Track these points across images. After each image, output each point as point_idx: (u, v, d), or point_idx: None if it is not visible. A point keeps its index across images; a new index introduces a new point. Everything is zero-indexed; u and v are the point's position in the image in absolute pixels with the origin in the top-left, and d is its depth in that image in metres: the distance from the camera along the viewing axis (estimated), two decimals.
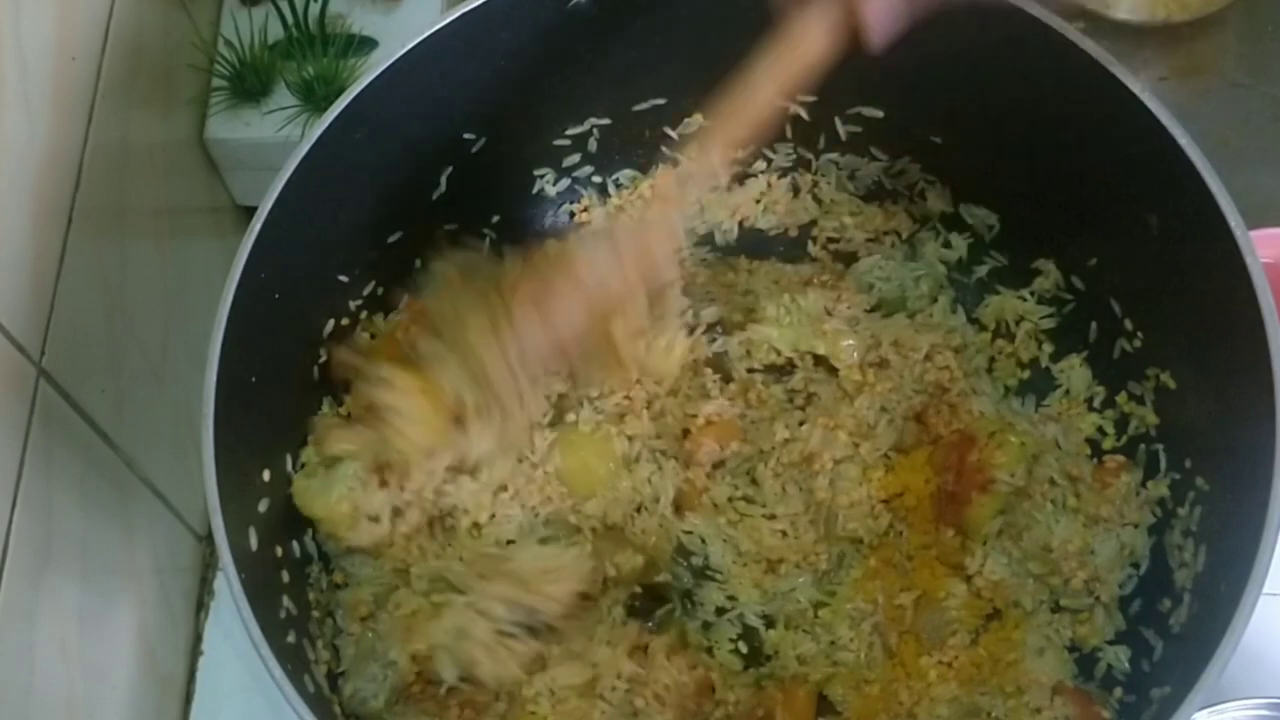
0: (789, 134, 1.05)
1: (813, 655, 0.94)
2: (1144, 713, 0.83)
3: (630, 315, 0.85)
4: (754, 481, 0.99)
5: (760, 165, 1.07)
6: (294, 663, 0.82)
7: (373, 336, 1.00)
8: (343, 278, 0.98)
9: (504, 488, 0.97)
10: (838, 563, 0.97)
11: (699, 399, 1.01)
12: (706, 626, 0.97)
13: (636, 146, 1.07)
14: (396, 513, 0.93)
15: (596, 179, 1.08)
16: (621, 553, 0.96)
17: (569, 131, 1.04)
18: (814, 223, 1.08)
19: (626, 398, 1.00)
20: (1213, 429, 0.86)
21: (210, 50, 1.14)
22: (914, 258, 1.06)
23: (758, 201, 1.07)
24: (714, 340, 1.03)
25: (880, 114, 1.02)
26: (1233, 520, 0.80)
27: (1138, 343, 0.94)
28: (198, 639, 1.08)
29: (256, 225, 0.85)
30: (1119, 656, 0.90)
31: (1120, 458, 0.95)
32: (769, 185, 1.07)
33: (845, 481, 0.97)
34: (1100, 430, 0.98)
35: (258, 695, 1.04)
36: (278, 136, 1.12)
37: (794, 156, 1.07)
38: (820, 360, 1.02)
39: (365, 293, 1.00)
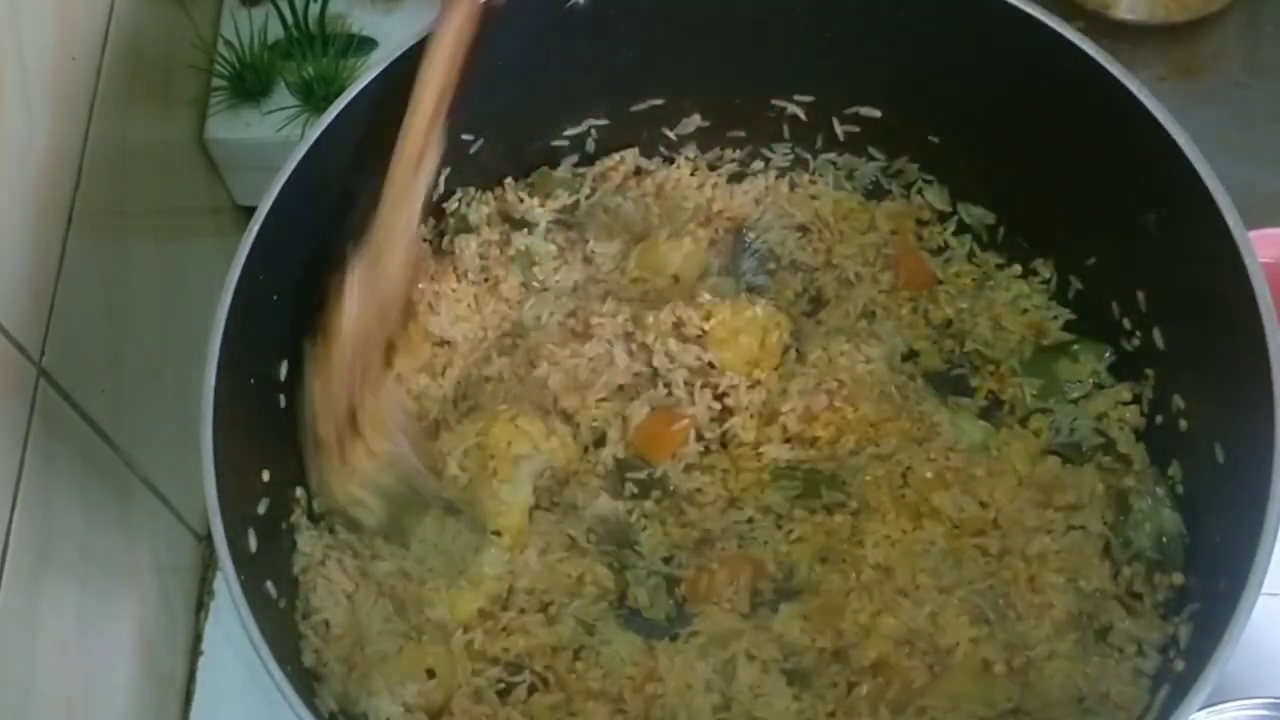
0: (787, 134, 1.05)
1: None
2: (1145, 713, 0.83)
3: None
4: None
5: (758, 165, 1.07)
6: (293, 664, 0.82)
7: None
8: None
9: None
10: None
11: None
12: None
13: (634, 147, 1.06)
14: None
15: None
16: None
17: (567, 132, 1.04)
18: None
19: None
20: (1211, 428, 0.86)
21: (210, 50, 1.14)
22: None
23: (757, 203, 1.07)
24: None
25: (878, 114, 1.02)
26: (1232, 519, 0.80)
27: (1136, 342, 0.94)
28: (198, 639, 1.08)
29: (256, 225, 0.85)
30: None
31: None
32: (766, 186, 1.07)
33: None
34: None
35: (258, 695, 1.04)
36: (277, 136, 1.12)
37: (792, 156, 1.06)
38: None
39: None
